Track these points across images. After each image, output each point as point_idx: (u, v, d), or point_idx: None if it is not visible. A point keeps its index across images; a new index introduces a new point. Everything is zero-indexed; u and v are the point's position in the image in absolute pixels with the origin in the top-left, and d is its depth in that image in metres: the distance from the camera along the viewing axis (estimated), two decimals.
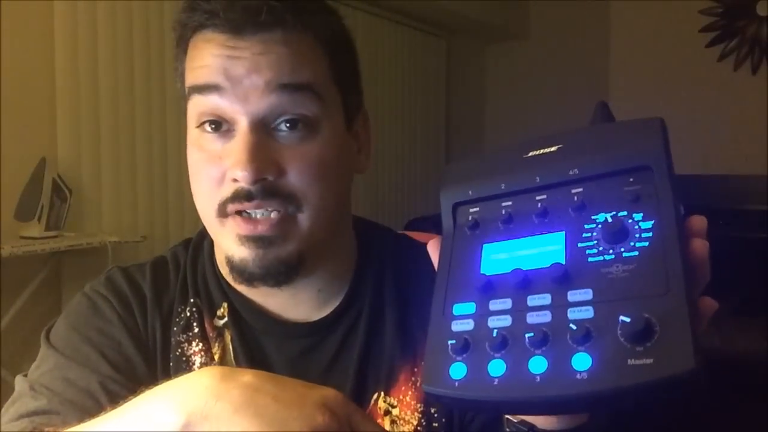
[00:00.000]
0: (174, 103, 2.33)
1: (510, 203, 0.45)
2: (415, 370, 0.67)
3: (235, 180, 0.60)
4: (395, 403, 0.67)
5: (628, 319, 0.35)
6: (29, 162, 1.90)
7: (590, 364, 0.35)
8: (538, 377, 0.36)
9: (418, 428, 0.66)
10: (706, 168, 2.89)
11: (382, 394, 0.67)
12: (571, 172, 0.43)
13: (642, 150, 0.42)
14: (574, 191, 0.43)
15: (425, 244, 0.50)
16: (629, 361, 0.34)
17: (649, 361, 0.33)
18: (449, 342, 0.39)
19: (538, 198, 0.45)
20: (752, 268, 2.44)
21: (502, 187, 0.46)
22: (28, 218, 1.88)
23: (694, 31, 3.51)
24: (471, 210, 0.47)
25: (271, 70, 0.59)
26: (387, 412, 0.67)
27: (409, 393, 0.67)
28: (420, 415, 0.66)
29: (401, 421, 0.66)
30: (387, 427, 0.66)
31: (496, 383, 0.37)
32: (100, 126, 2.18)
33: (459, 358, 0.39)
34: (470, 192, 0.47)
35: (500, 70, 4.27)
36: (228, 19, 0.59)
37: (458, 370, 0.38)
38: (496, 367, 0.37)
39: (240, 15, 0.59)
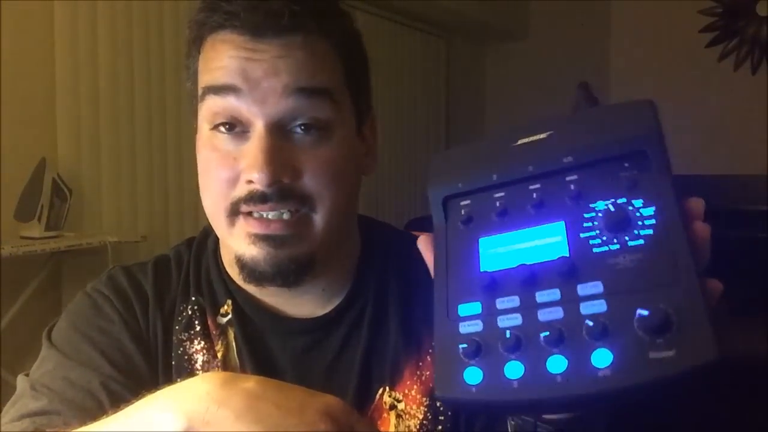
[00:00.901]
0: (174, 103, 2.33)
1: (503, 194, 0.44)
2: (420, 364, 0.67)
3: (250, 182, 0.60)
4: (400, 398, 0.67)
5: (646, 313, 0.34)
6: (29, 162, 1.90)
7: (611, 360, 0.34)
8: (558, 377, 0.34)
9: (424, 422, 0.66)
10: (706, 168, 2.88)
11: (387, 388, 0.67)
12: (564, 160, 0.42)
13: (636, 134, 0.40)
14: (569, 179, 0.42)
15: None
16: (650, 354, 0.33)
17: (671, 353, 0.33)
18: (460, 346, 0.38)
19: (532, 188, 0.43)
20: (752, 268, 2.43)
21: (494, 178, 0.44)
22: (28, 218, 1.88)
23: (694, 31, 3.51)
24: (462, 203, 0.45)
25: (289, 73, 0.59)
26: (392, 407, 0.67)
27: (415, 387, 0.67)
28: (426, 409, 0.66)
29: (407, 416, 0.66)
30: (393, 421, 0.66)
31: (515, 386, 0.35)
32: (100, 126, 2.17)
33: (472, 362, 0.37)
34: (460, 185, 0.45)
35: (500, 70, 4.26)
36: (248, 21, 0.59)
37: (474, 375, 0.37)
38: (514, 369, 0.36)
39: (261, 18, 0.59)
